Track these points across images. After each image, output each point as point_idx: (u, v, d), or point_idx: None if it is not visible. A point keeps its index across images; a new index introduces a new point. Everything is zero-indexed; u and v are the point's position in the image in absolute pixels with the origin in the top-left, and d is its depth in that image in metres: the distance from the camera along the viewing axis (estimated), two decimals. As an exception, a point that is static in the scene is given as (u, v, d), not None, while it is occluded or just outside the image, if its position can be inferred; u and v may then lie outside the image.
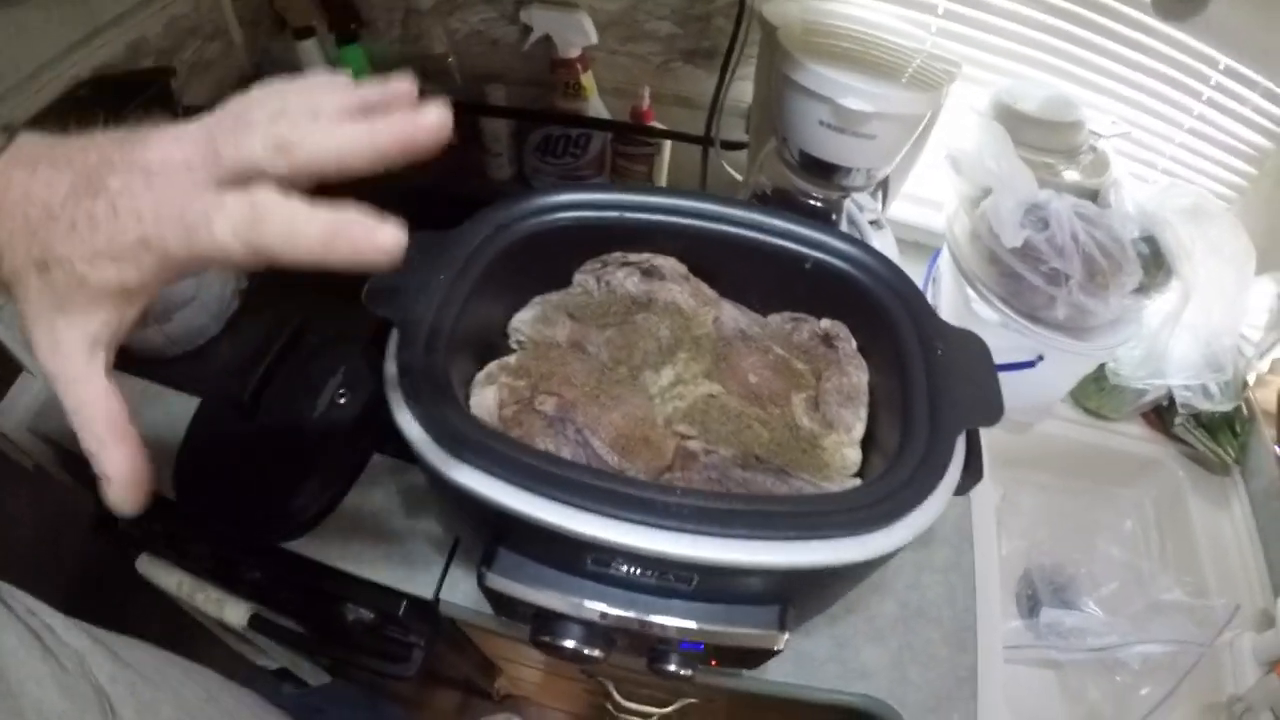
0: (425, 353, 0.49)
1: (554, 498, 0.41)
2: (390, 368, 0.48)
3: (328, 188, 0.29)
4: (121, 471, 0.30)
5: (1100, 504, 1.00)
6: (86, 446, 0.30)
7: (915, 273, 0.91)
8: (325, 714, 0.84)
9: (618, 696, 0.88)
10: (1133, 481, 1.01)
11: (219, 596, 0.76)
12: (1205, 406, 0.85)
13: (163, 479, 0.70)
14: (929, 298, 0.89)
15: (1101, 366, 0.86)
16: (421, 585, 0.65)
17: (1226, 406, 0.86)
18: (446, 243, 0.55)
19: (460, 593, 0.65)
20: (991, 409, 0.52)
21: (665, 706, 0.88)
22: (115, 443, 0.30)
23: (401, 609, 0.66)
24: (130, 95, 0.73)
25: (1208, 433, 0.95)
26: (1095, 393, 0.92)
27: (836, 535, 0.43)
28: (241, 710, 0.53)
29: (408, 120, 0.30)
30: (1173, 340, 0.82)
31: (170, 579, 0.79)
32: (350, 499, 0.69)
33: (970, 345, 0.56)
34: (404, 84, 0.33)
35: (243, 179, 0.29)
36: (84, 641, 0.41)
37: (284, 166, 0.29)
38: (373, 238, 0.28)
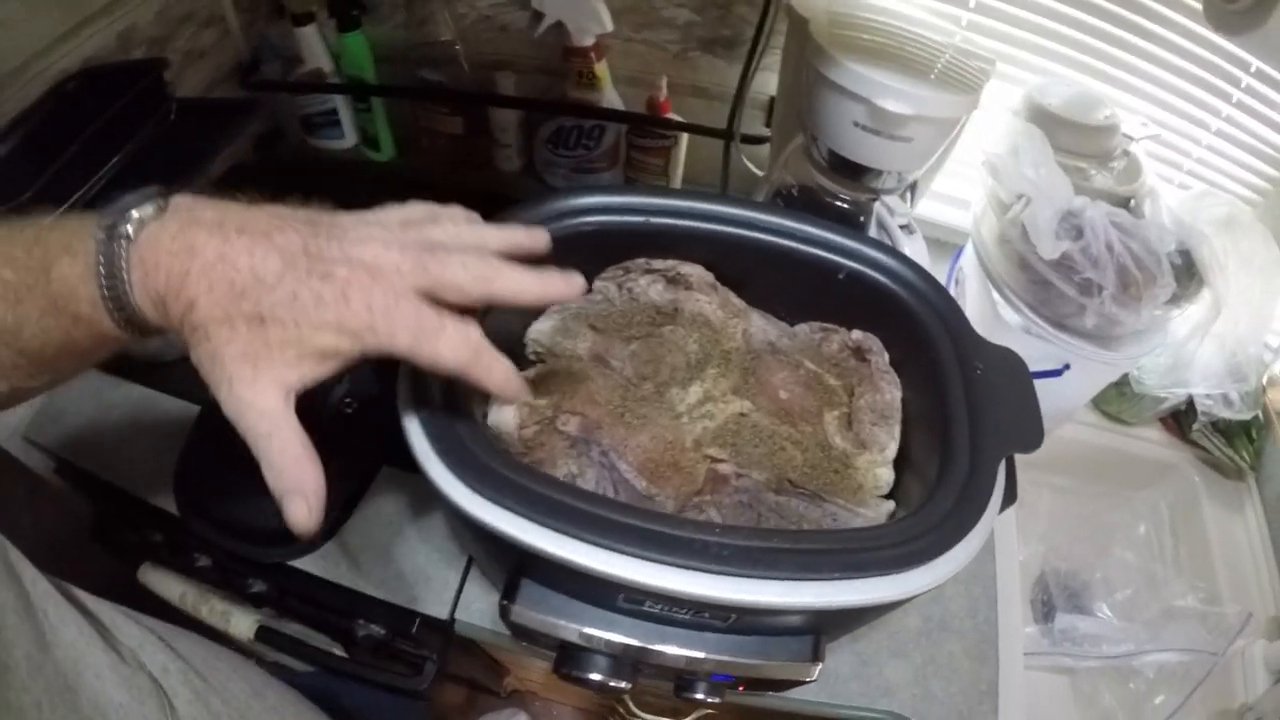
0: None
1: (586, 539, 0.39)
2: (403, 390, 0.45)
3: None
4: (312, 490, 0.35)
5: (1115, 507, 1.00)
6: (275, 469, 0.34)
7: (938, 272, 0.90)
8: (340, 699, 0.83)
9: (631, 705, 0.86)
10: (1148, 485, 1.00)
11: (224, 609, 0.73)
12: (1226, 414, 0.85)
13: (162, 490, 0.68)
14: (951, 300, 0.87)
15: (1125, 374, 0.85)
16: (435, 604, 0.63)
17: (1246, 415, 0.85)
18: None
19: (476, 612, 0.63)
20: (1031, 434, 0.50)
21: (680, 717, 0.87)
22: (309, 464, 0.35)
23: (415, 626, 0.64)
24: (121, 87, 0.69)
25: (1224, 438, 0.95)
26: (1116, 398, 0.91)
27: (881, 574, 0.41)
28: (285, 708, 0.53)
29: (566, 281, 0.41)
30: (1199, 349, 0.81)
31: (173, 589, 0.76)
32: (359, 512, 0.67)
33: (1009, 364, 0.54)
34: (542, 237, 0.43)
35: (432, 294, 0.36)
36: (136, 631, 0.41)
37: (478, 295, 0.37)
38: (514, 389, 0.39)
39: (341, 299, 0.33)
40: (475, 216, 0.41)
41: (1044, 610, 0.92)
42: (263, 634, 0.72)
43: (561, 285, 0.40)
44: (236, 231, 0.33)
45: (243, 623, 0.72)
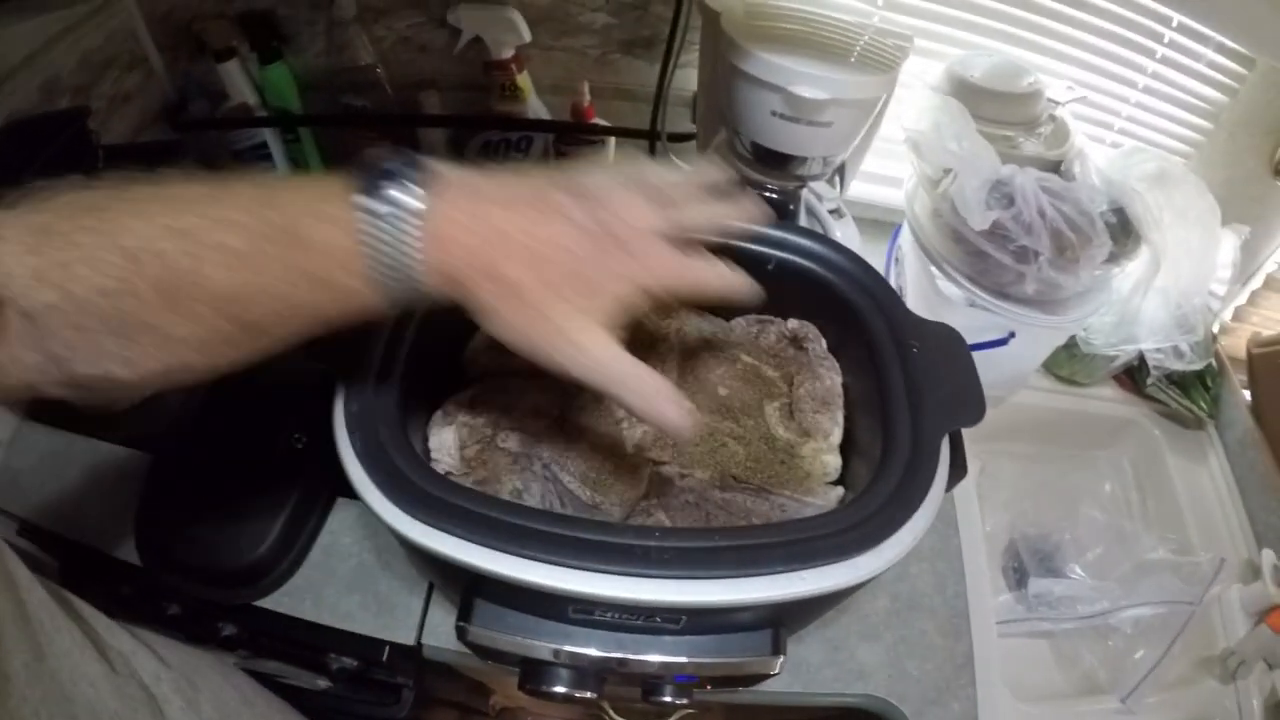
0: (375, 403, 0.46)
1: (528, 556, 0.39)
2: (339, 425, 0.45)
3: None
4: (677, 405, 0.39)
5: (1079, 469, 1.01)
6: (647, 395, 0.38)
7: (876, 253, 0.90)
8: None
9: (613, 714, 0.86)
10: (1109, 444, 1.01)
11: (198, 652, 0.72)
12: (1178, 367, 0.85)
13: (125, 543, 0.67)
14: (892, 279, 0.87)
15: (1072, 336, 0.85)
16: (401, 632, 0.62)
17: (1198, 365, 0.85)
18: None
19: (442, 635, 0.62)
20: (973, 408, 0.51)
21: (664, 718, 0.87)
22: (662, 380, 0.39)
23: (385, 655, 0.63)
24: (45, 139, 0.68)
25: (1180, 389, 0.96)
26: (1067, 360, 0.92)
27: (828, 561, 0.41)
28: (274, 715, 0.52)
29: (747, 205, 0.44)
30: (1143, 304, 0.81)
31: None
32: (319, 547, 0.66)
33: (946, 340, 0.55)
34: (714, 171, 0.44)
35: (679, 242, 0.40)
36: (128, 640, 0.42)
37: (714, 234, 0.42)
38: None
39: (630, 261, 0.37)
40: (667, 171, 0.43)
41: (1016, 577, 0.93)
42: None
43: (746, 208, 0.44)
44: (528, 206, 0.36)
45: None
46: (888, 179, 0.93)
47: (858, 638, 0.66)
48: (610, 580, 0.39)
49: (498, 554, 0.40)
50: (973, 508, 0.75)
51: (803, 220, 0.71)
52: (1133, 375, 0.97)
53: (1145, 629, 0.86)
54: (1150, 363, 0.88)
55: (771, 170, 0.66)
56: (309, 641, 0.65)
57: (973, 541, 0.74)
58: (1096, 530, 0.94)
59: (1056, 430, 0.97)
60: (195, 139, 0.96)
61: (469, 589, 0.48)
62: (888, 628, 0.67)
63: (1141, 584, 0.88)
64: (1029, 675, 0.88)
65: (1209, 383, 0.96)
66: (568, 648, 0.46)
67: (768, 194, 0.67)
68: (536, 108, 0.87)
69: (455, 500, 0.41)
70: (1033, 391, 0.93)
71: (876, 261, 0.56)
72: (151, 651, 0.42)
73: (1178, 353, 0.85)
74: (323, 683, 0.71)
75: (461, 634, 0.47)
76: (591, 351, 0.37)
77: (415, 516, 0.41)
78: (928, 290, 0.75)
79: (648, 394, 0.38)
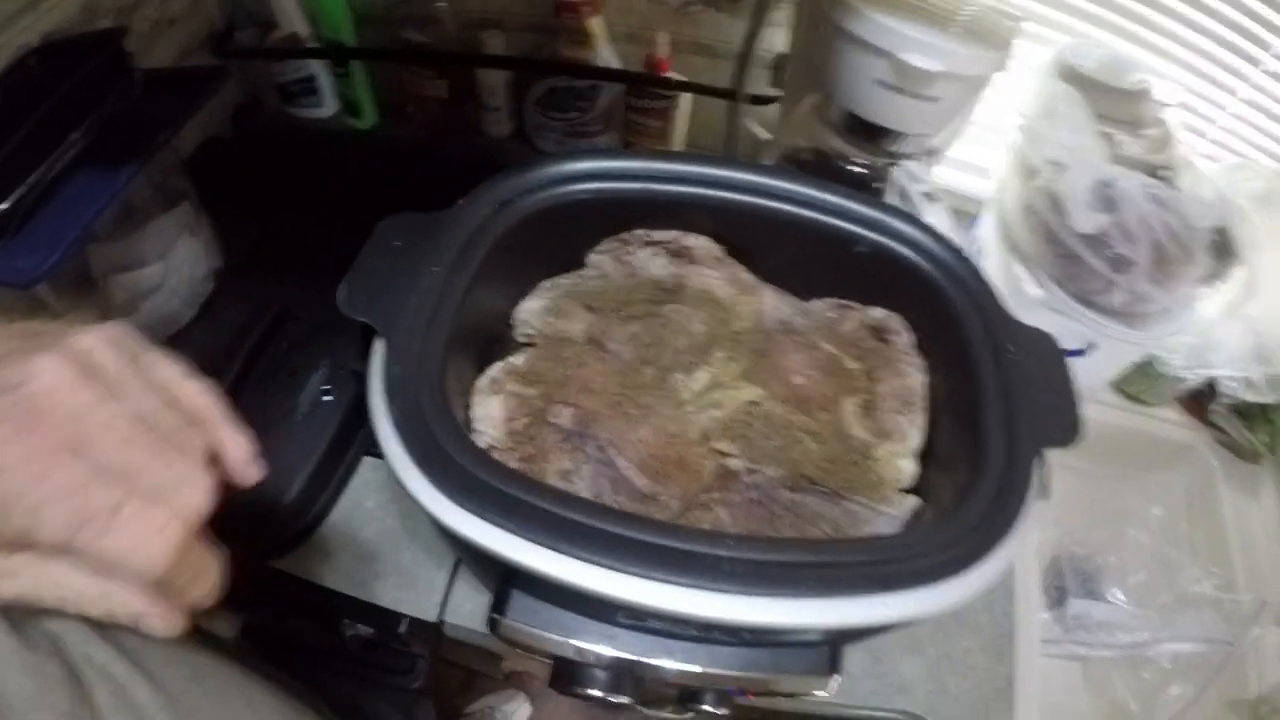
0: (419, 367, 0.41)
1: (583, 557, 0.35)
2: (376, 390, 0.40)
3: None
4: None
5: (1130, 489, 0.97)
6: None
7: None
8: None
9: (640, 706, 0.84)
10: (1164, 467, 0.97)
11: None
12: (1247, 397, 0.83)
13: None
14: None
15: (1148, 353, 0.81)
16: (423, 606, 0.59)
17: (1269, 398, 0.82)
18: (438, 227, 0.47)
19: (465, 614, 0.59)
20: (1068, 426, 0.47)
21: (683, 713, 0.84)
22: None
23: (403, 626, 0.60)
24: (82, 60, 0.64)
25: (1244, 420, 0.92)
26: (1138, 378, 0.88)
27: (913, 587, 0.37)
28: (230, 690, 0.49)
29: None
30: (1226, 330, 0.78)
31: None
32: (340, 509, 0.63)
33: (1043, 347, 0.50)
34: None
35: None
36: (60, 621, 0.37)
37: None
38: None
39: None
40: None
41: (1057, 595, 0.89)
42: (247, 632, 0.69)
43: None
44: None
45: (225, 623, 0.69)
46: (968, 165, 0.88)
47: (901, 650, 0.63)
48: (675, 592, 0.35)
49: (551, 554, 0.35)
50: (1030, 524, 0.71)
51: (892, 201, 0.65)
52: (1198, 400, 0.93)
53: (1183, 665, 0.84)
54: (1221, 390, 0.85)
55: (862, 142, 0.61)
56: (323, 607, 0.62)
57: (1025, 560, 0.70)
58: (1142, 555, 0.91)
59: (1113, 447, 0.93)
60: (240, 69, 0.92)
61: (505, 579, 0.44)
62: (932, 642, 0.64)
63: (1181, 616, 0.86)
64: (1059, 700, 0.86)
65: (1273, 418, 0.92)
66: (613, 652, 0.42)
67: (855, 168, 0.62)
68: (608, 57, 0.82)
69: (503, 486, 0.37)
70: (1096, 405, 0.89)
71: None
72: (90, 632, 0.38)
73: (1250, 383, 0.82)
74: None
75: (494, 626, 0.43)
76: None
77: (457, 502, 0.37)
78: (1007, 289, 0.70)
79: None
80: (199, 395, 0.31)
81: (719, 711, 0.48)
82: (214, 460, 0.30)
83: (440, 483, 0.37)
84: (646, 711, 0.81)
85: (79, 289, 0.68)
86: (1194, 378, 0.83)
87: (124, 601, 0.27)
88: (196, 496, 0.28)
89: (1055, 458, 0.93)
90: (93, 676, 0.37)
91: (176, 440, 0.28)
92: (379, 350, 0.42)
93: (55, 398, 0.26)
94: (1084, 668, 0.88)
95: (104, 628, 0.39)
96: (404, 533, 0.62)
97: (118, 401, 0.27)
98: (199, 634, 0.49)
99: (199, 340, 0.74)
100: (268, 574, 0.61)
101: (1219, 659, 0.81)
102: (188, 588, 0.28)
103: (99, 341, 0.28)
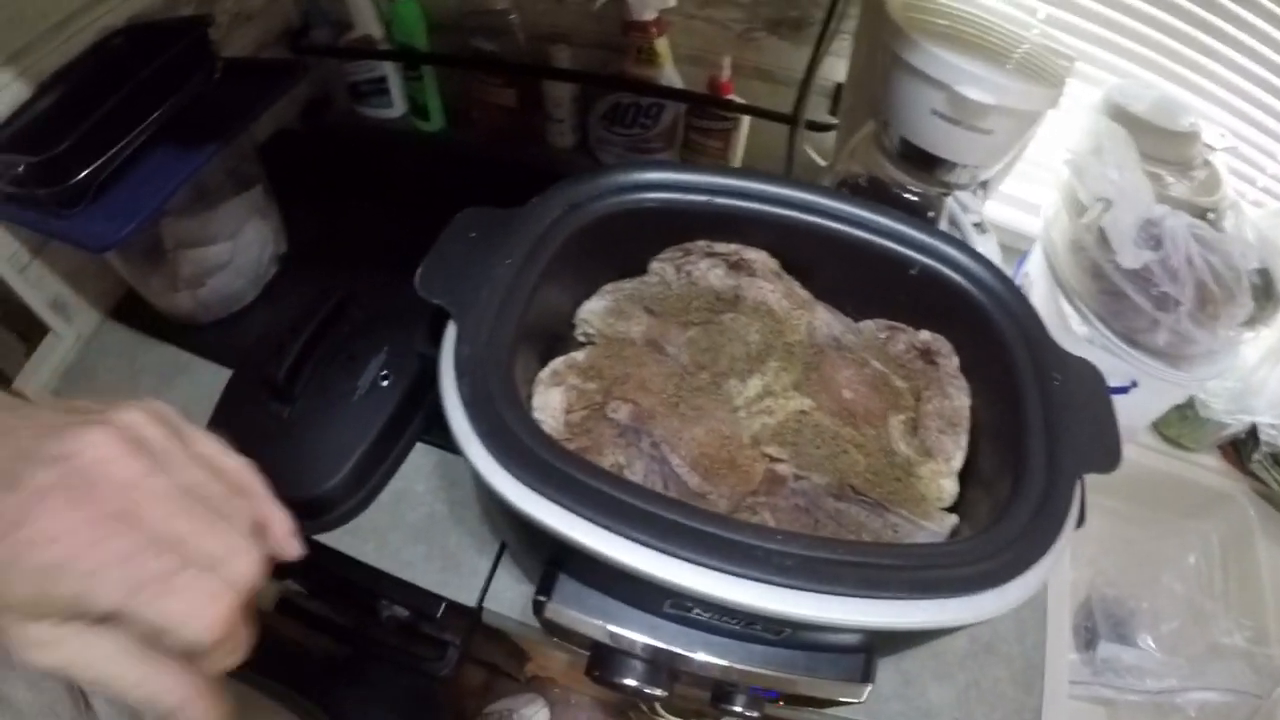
0: (487, 350, 0.43)
1: (639, 540, 0.36)
2: (447, 368, 0.43)
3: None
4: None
5: (1166, 535, 0.96)
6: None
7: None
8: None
9: (656, 704, 0.84)
10: (1201, 514, 0.96)
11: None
12: (1290, 447, 0.81)
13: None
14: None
15: (1191, 396, 0.81)
16: (463, 591, 0.61)
17: (1312, 450, 0.81)
18: (511, 223, 0.50)
19: (505, 602, 0.60)
20: (1109, 453, 0.48)
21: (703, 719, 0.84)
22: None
23: (440, 611, 0.62)
24: (165, 44, 0.68)
25: (1284, 471, 0.90)
26: (1178, 421, 0.87)
27: (951, 595, 0.38)
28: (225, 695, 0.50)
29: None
30: (1270, 376, 0.77)
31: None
32: (390, 490, 0.65)
33: (1088, 377, 0.51)
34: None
35: None
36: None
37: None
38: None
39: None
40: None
41: (1087, 637, 0.89)
42: (284, 607, 0.70)
43: None
44: None
45: (265, 595, 0.71)
46: (1018, 201, 0.89)
47: (931, 675, 0.62)
48: (725, 580, 0.36)
49: (606, 533, 0.37)
50: (1064, 560, 0.71)
51: (944, 229, 0.67)
52: (1238, 448, 0.92)
53: (1210, 715, 0.82)
54: (1262, 438, 0.84)
55: (918, 171, 0.62)
56: (364, 585, 0.64)
57: (1060, 594, 0.70)
58: (1175, 603, 0.90)
59: (1151, 491, 0.92)
60: (313, 65, 0.95)
61: (555, 563, 0.45)
62: (962, 669, 0.63)
63: (1211, 667, 0.85)
64: (1083, 743, 0.85)
65: (1314, 470, 0.91)
66: (653, 642, 0.44)
67: (909, 195, 0.63)
68: (672, 76, 0.84)
69: (564, 467, 0.39)
70: (1135, 447, 0.88)
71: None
72: None
73: None
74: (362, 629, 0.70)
75: (538, 609, 0.45)
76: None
77: (519, 478, 0.38)
78: (1053, 323, 0.71)
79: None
80: (241, 470, 0.32)
81: (750, 714, 0.49)
82: (258, 532, 0.30)
83: (504, 459, 0.38)
84: (669, 718, 0.82)
85: (149, 260, 0.71)
86: (1235, 423, 0.82)
87: (167, 687, 0.26)
88: (248, 567, 0.28)
89: (1092, 499, 0.93)
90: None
91: (225, 511, 0.29)
92: (450, 332, 0.44)
93: (106, 469, 0.26)
94: (1110, 712, 0.87)
95: None
96: (451, 518, 0.63)
97: (165, 473, 0.27)
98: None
99: (260, 320, 0.78)
100: (312, 546, 0.62)
101: (1246, 711, 0.80)
102: (222, 657, 0.27)
103: (144, 416, 0.29)
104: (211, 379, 0.71)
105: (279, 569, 0.68)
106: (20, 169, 0.58)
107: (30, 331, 0.71)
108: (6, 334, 0.71)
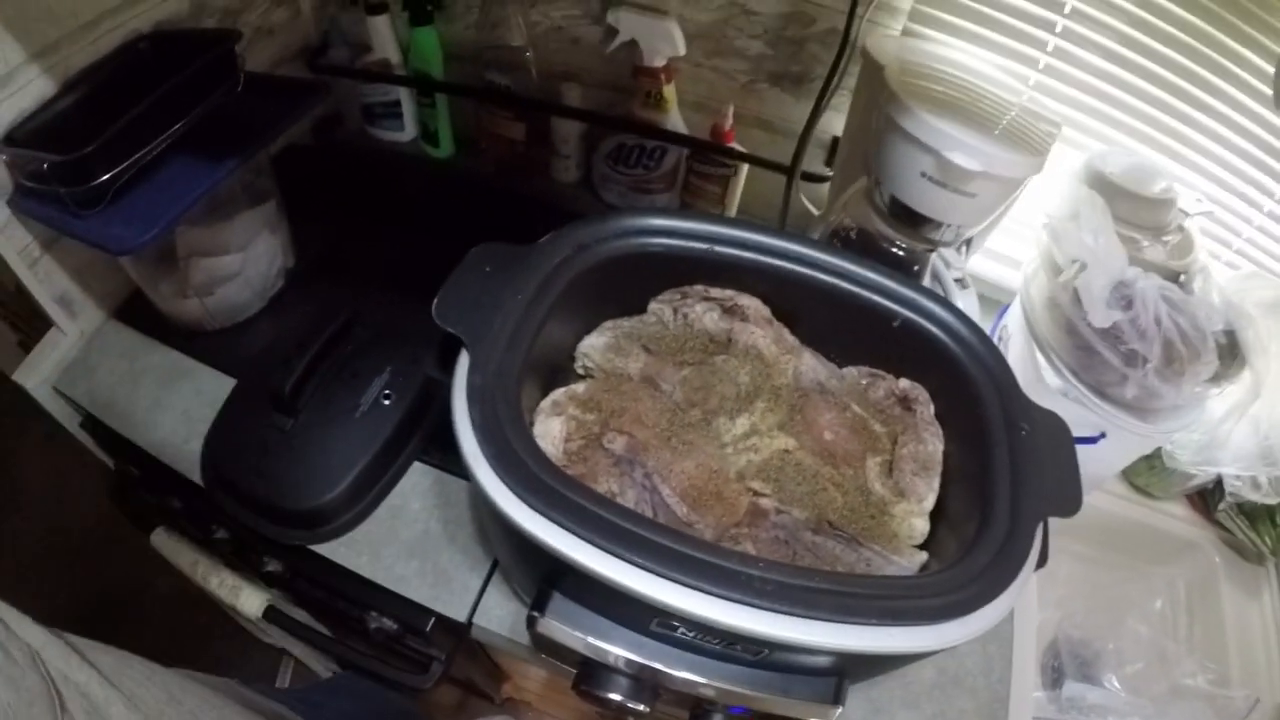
0: (497, 379, 0.46)
1: (633, 561, 0.39)
2: (459, 394, 0.45)
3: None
4: None
5: (1133, 580, 0.99)
6: None
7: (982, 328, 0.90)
8: (323, 709, 0.82)
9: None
10: (1168, 561, 0.99)
11: (234, 583, 0.73)
12: (1253, 497, 0.85)
13: (188, 459, 0.68)
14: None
15: (1157, 448, 0.84)
16: (454, 606, 0.63)
17: (1273, 500, 0.84)
18: (523, 259, 0.53)
19: (495, 618, 0.62)
20: (1070, 499, 0.51)
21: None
22: None
23: (428, 625, 0.63)
24: (192, 53, 0.70)
25: (1248, 520, 0.94)
26: (1146, 471, 0.91)
27: (918, 623, 0.41)
28: (206, 710, 0.51)
29: None
30: (1234, 430, 0.80)
31: (185, 558, 0.77)
32: (386, 506, 0.67)
33: (1054, 428, 0.54)
34: None
35: None
36: (39, 634, 0.40)
37: None
38: None
39: None
40: None
41: (1053, 676, 0.91)
42: (270, 614, 0.72)
43: None
44: None
45: (252, 601, 0.72)
46: (1001, 256, 0.93)
47: (899, 703, 0.65)
48: (711, 602, 0.39)
49: (602, 554, 0.40)
50: (1031, 598, 0.74)
51: (926, 284, 0.70)
52: (1204, 497, 0.96)
53: (1169, 755, 0.84)
54: (1227, 489, 0.87)
55: (905, 228, 0.66)
56: (354, 596, 0.66)
57: (1026, 631, 0.72)
58: (1140, 645, 0.93)
59: (1119, 538, 0.96)
60: (330, 84, 0.98)
61: (547, 580, 0.48)
62: (929, 699, 0.66)
63: (1174, 708, 0.87)
64: (1045, 779, 0.87)
65: (1277, 520, 0.94)
66: (638, 659, 0.46)
67: (895, 250, 0.67)
68: (676, 121, 0.88)
69: (567, 492, 0.42)
70: (1105, 495, 0.92)
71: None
72: (68, 648, 0.40)
73: (1256, 484, 0.84)
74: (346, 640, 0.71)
75: (531, 624, 0.47)
76: None
77: (523, 498, 0.41)
78: (1028, 375, 0.74)
79: None
80: None
81: (723, 732, 0.52)
82: None
83: (510, 481, 0.41)
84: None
85: (161, 265, 0.72)
86: (1201, 474, 0.85)
87: None
88: None
89: (1063, 543, 0.96)
90: (70, 693, 0.39)
91: None
92: (464, 360, 0.47)
93: None
94: (1073, 749, 0.89)
95: (81, 647, 0.42)
96: (445, 536, 0.66)
97: None
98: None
99: (264, 331, 0.80)
100: (307, 556, 0.64)
101: (1207, 752, 0.83)
102: None
103: None
104: (212, 385, 0.73)
105: (268, 576, 0.69)
106: (44, 166, 0.59)
107: (33, 325, 0.73)
108: (7, 329, 0.72)
